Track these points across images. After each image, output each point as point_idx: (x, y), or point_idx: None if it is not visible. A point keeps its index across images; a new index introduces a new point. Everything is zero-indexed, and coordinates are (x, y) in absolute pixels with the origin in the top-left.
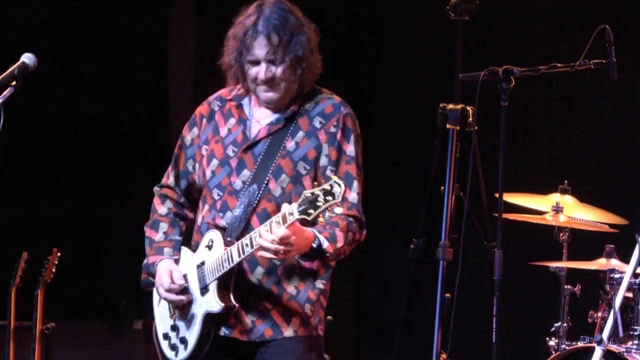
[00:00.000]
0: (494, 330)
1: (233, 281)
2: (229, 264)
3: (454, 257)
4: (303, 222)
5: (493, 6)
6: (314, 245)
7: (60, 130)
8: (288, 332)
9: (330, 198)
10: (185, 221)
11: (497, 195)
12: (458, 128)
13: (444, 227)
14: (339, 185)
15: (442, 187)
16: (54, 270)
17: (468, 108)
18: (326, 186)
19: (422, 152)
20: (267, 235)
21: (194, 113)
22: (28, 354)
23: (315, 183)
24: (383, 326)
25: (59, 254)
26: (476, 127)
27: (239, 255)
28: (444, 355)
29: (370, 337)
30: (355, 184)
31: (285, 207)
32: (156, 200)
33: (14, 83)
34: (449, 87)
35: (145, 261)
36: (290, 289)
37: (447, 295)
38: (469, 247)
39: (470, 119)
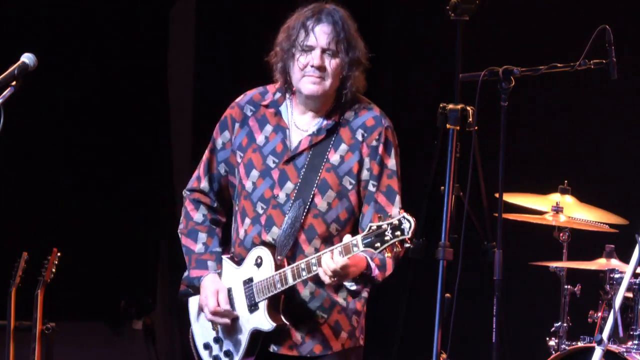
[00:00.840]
0: (494, 330)
1: (283, 299)
2: (282, 285)
3: (454, 257)
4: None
5: (493, 6)
6: (365, 271)
7: (60, 130)
8: (337, 347)
9: (399, 233)
10: (219, 226)
11: (497, 195)
12: (458, 128)
13: (444, 227)
14: (409, 221)
15: (442, 187)
16: (54, 270)
17: (468, 108)
18: (394, 221)
19: (422, 152)
20: (329, 264)
21: (223, 115)
22: (28, 354)
23: (380, 216)
24: (383, 326)
25: (59, 254)
26: (476, 127)
27: (294, 279)
28: (444, 355)
29: (370, 337)
30: (397, 198)
31: (348, 238)
32: (189, 206)
33: (14, 83)
34: (449, 87)
35: (186, 273)
36: (341, 300)
37: (447, 295)
38: (469, 247)
39: (470, 119)
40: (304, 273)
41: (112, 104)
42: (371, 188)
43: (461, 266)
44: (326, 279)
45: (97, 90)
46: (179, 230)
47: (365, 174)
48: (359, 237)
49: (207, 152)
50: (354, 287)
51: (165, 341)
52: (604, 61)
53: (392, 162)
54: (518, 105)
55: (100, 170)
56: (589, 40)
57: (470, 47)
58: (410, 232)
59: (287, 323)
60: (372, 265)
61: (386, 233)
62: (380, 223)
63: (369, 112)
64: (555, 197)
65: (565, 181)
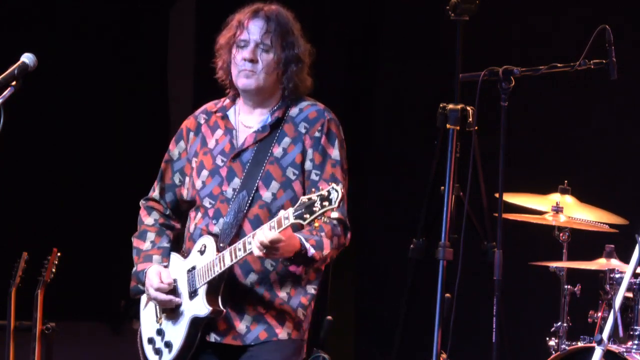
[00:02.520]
0: (494, 330)
1: (222, 286)
2: (220, 267)
3: (454, 257)
4: (296, 228)
5: (493, 6)
6: (299, 250)
7: (60, 130)
8: (282, 335)
9: (326, 204)
10: (173, 230)
11: (497, 195)
12: (458, 128)
13: (444, 227)
14: (337, 191)
15: (442, 187)
16: (54, 270)
17: (468, 108)
18: (323, 192)
19: (422, 152)
20: (259, 237)
21: (180, 127)
22: (28, 354)
23: (313, 190)
24: (383, 326)
25: (59, 254)
26: (476, 127)
27: (231, 259)
28: (444, 355)
29: (370, 337)
30: (340, 187)
31: (282, 213)
32: (142, 212)
33: (14, 83)
34: (449, 87)
35: (134, 269)
36: (282, 294)
37: (447, 295)
38: (469, 247)
39: (470, 119)
40: (239, 253)
41: (112, 104)
42: (314, 177)
43: (461, 266)
44: (257, 252)
45: (97, 91)
46: (132, 237)
47: (308, 164)
48: (290, 210)
49: (162, 164)
50: (291, 268)
51: None
52: (604, 61)
53: (335, 153)
54: (518, 105)
55: (101, 170)
56: (589, 40)
57: (470, 47)
58: (336, 202)
59: (224, 310)
60: (307, 245)
61: (315, 204)
62: (310, 195)
63: (312, 106)
64: (555, 197)
65: (565, 181)
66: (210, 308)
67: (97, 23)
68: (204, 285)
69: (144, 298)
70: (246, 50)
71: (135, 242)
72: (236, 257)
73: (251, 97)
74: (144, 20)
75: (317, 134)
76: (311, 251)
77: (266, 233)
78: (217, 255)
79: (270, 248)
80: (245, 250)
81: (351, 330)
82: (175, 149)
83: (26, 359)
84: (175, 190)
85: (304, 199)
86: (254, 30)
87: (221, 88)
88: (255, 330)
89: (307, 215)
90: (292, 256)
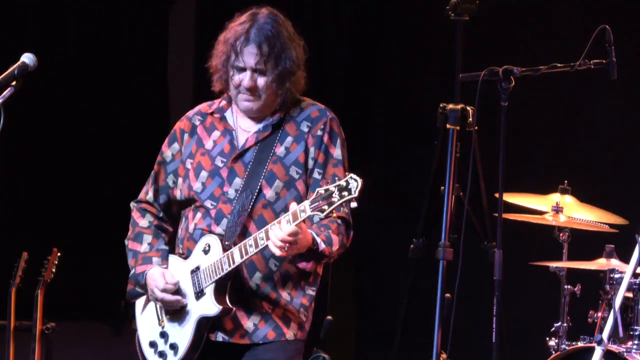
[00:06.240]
0: (494, 330)
1: (230, 285)
2: (229, 265)
3: (454, 257)
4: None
5: (493, 6)
6: (312, 246)
7: (60, 130)
8: (289, 335)
9: (346, 193)
10: (167, 233)
11: (497, 195)
12: (458, 128)
13: (444, 227)
14: (356, 180)
15: (442, 187)
16: (54, 270)
17: (468, 108)
18: (341, 182)
19: (422, 152)
20: (278, 234)
21: (172, 129)
22: (28, 354)
23: (328, 180)
24: (383, 326)
25: (59, 254)
26: (476, 127)
27: (242, 256)
28: (444, 355)
29: (370, 337)
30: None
31: (295, 205)
32: (135, 214)
33: (14, 83)
34: (449, 87)
35: (132, 272)
36: (285, 294)
37: (447, 295)
38: (469, 247)
39: (470, 119)
40: (251, 249)
41: (112, 103)
42: (316, 176)
43: (461, 266)
44: (277, 251)
45: (97, 90)
46: (125, 239)
47: (310, 163)
48: (306, 202)
49: (155, 165)
50: (301, 265)
51: None
52: (604, 61)
53: (337, 152)
54: (518, 105)
55: (101, 170)
56: (589, 40)
57: (470, 47)
58: (357, 191)
59: (233, 308)
60: (318, 240)
61: (334, 195)
62: (327, 186)
63: (313, 106)
64: (555, 197)
65: (565, 181)
66: (220, 307)
67: (97, 23)
68: (212, 284)
69: (139, 302)
70: (244, 76)
71: (131, 244)
72: (247, 253)
73: (251, 114)
74: (144, 20)
75: (319, 133)
76: (322, 246)
77: (284, 227)
78: (224, 254)
79: (290, 242)
80: (257, 246)
81: (351, 330)
82: (168, 151)
83: (26, 359)
84: (169, 192)
85: (320, 190)
86: (249, 58)
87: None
88: (263, 329)
89: (326, 207)
90: (305, 251)
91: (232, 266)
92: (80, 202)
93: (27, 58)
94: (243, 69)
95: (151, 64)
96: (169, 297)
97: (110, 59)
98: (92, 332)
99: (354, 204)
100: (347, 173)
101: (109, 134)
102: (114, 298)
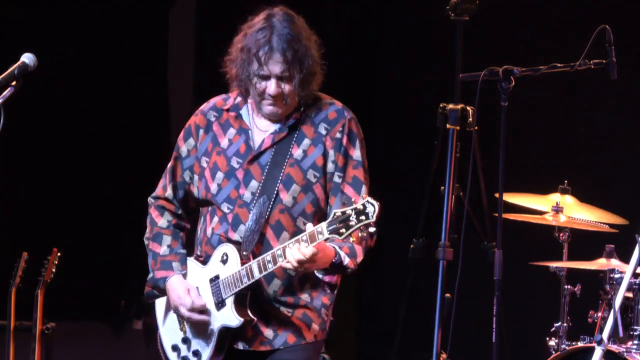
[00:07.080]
0: (494, 330)
1: (249, 295)
2: (249, 279)
3: (454, 257)
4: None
5: (493, 6)
6: (334, 261)
7: (60, 130)
8: (310, 338)
9: (363, 217)
10: (185, 232)
11: (497, 195)
12: (458, 128)
13: (444, 227)
14: (372, 205)
15: (442, 187)
16: (54, 270)
17: (468, 108)
18: (358, 206)
19: (422, 152)
20: (295, 255)
21: (187, 123)
22: (28, 354)
23: (345, 203)
24: (383, 326)
25: (59, 254)
26: (476, 127)
27: (260, 272)
28: (444, 355)
29: (370, 337)
30: (364, 188)
31: (310, 226)
32: (154, 212)
33: (14, 83)
34: (449, 87)
35: (151, 275)
36: (305, 296)
37: (447, 295)
38: (469, 247)
39: (470, 119)
40: (269, 265)
41: (112, 104)
42: (337, 179)
43: (461, 266)
44: (293, 271)
45: (97, 90)
46: (144, 238)
47: (330, 167)
48: (323, 224)
49: (171, 160)
50: (327, 279)
51: None
52: (604, 61)
53: (357, 153)
54: (518, 105)
55: (101, 170)
56: (589, 40)
57: (470, 47)
58: (374, 216)
59: (254, 318)
60: (342, 254)
61: (351, 218)
62: (345, 209)
63: (331, 106)
64: (555, 197)
65: (565, 181)
66: (242, 319)
67: (97, 23)
68: (232, 296)
69: (159, 303)
70: (269, 83)
71: (151, 244)
72: (265, 269)
73: (275, 117)
74: (144, 21)
75: (338, 135)
76: (346, 260)
77: (303, 250)
78: (242, 266)
79: (309, 262)
80: (275, 263)
81: (351, 330)
82: (184, 146)
83: (26, 359)
84: (186, 187)
85: (337, 212)
86: (274, 67)
87: (220, 87)
88: (282, 334)
89: (343, 230)
90: (328, 267)
91: (252, 280)
92: (80, 202)
93: (27, 58)
94: (267, 77)
95: (151, 64)
96: (197, 316)
97: (111, 59)
98: (92, 332)
99: (372, 229)
100: (364, 196)
101: (109, 134)
102: (114, 298)
